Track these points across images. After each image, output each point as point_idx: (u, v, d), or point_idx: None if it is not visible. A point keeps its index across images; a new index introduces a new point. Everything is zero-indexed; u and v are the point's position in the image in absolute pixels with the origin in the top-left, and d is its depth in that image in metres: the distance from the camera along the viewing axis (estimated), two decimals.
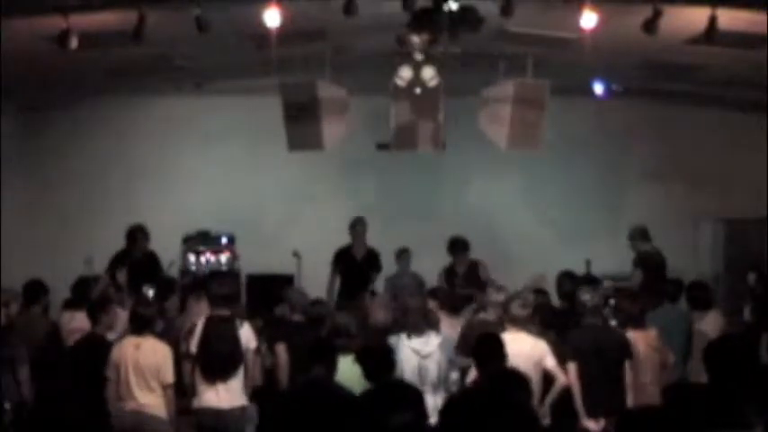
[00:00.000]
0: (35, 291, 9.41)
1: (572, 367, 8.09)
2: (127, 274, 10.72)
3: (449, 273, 11.71)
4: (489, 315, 8.76)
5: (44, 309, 9.61)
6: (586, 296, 8.51)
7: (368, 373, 6.80)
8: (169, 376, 7.95)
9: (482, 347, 6.97)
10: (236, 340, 8.14)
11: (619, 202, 13.89)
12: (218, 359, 8.08)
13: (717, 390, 4.50)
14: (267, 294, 10.56)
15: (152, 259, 11.37)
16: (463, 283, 11.29)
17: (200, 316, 8.56)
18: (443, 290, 10.40)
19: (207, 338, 8.11)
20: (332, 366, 6.82)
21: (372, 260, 12.08)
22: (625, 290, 10.71)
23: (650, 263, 11.40)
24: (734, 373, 4.52)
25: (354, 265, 11.98)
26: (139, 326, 8.09)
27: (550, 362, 7.89)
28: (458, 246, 11.76)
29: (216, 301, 8.34)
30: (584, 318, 8.46)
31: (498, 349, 6.93)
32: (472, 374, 7.51)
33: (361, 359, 6.93)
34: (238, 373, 8.13)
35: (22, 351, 8.67)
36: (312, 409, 6.58)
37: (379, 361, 6.84)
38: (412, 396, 6.66)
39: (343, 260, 12.04)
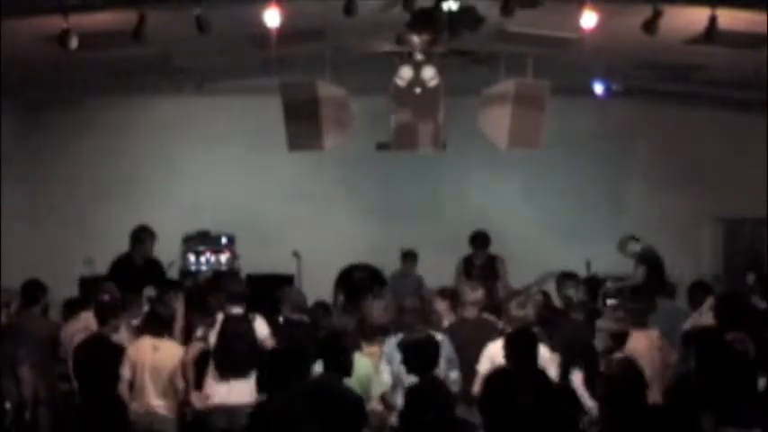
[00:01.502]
0: (34, 291, 9.40)
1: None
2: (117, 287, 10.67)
3: (467, 263, 11.82)
4: (468, 314, 8.75)
5: (44, 309, 9.60)
6: (570, 291, 8.60)
7: (412, 366, 6.84)
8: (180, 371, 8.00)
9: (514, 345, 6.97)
10: (252, 339, 8.18)
11: (619, 202, 13.90)
12: (234, 358, 8.10)
13: (717, 389, 4.51)
14: (267, 294, 10.56)
15: (154, 266, 11.32)
16: (480, 274, 11.40)
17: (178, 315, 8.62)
18: (452, 290, 10.37)
19: (224, 337, 8.13)
20: (338, 366, 6.84)
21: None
22: (631, 287, 10.73)
23: (653, 258, 11.46)
24: (723, 370, 4.53)
25: None
26: (158, 326, 8.09)
27: (552, 372, 7.86)
28: (479, 240, 11.92)
29: (232, 299, 8.37)
30: (570, 313, 8.55)
31: (532, 348, 6.92)
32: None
33: (405, 352, 6.97)
34: (253, 373, 8.15)
35: (22, 351, 8.68)
36: (315, 408, 6.59)
37: (423, 355, 6.88)
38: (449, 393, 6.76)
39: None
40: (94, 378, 8.11)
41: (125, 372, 7.98)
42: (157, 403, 7.96)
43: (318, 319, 9.09)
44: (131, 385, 8.01)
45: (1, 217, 12.03)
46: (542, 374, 6.92)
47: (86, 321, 8.82)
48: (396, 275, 12.39)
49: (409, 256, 12.38)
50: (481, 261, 11.84)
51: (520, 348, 6.86)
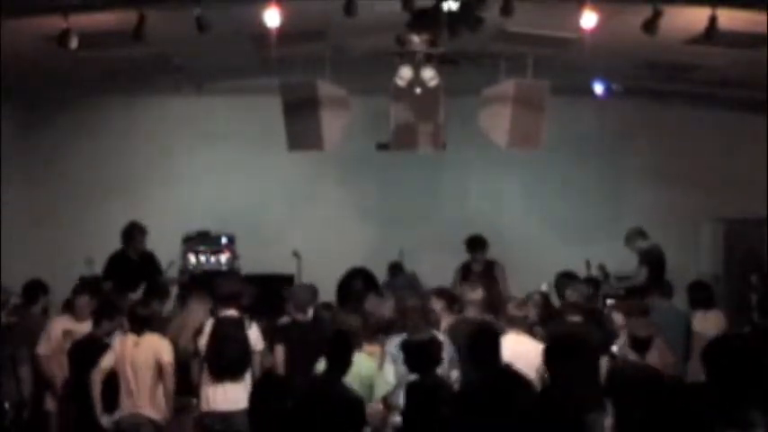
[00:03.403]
0: (35, 291, 9.42)
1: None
2: (114, 286, 10.66)
3: (465, 270, 11.75)
4: (469, 313, 8.76)
5: (44, 309, 9.61)
6: (567, 292, 8.65)
7: (414, 365, 6.85)
8: (167, 357, 7.98)
9: (478, 345, 6.95)
10: (244, 342, 8.14)
11: (619, 202, 13.90)
12: (226, 360, 8.08)
13: (717, 389, 4.49)
14: (267, 294, 10.56)
15: (149, 260, 11.32)
16: (478, 281, 11.33)
17: (198, 316, 8.58)
18: (448, 291, 10.37)
19: (215, 339, 8.10)
20: (341, 365, 6.86)
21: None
22: (633, 288, 10.73)
23: (656, 258, 11.44)
24: (732, 372, 4.51)
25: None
26: (138, 326, 8.10)
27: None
28: (476, 244, 11.82)
29: (222, 301, 8.33)
30: (564, 314, 8.57)
31: (495, 348, 6.91)
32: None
33: (408, 352, 6.98)
34: (246, 375, 8.12)
35: (22, 351, 8.70)
36: (316, 408, 6.61)
37: (426, 354, 6.89)
38: (450, 391, 6.78)
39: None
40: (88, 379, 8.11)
41: (105, 361, 7.98)
42: (141, 403, 7.95)
43: (322, 320, 9.10)
44: (118, 384, 8.00)
45: (1, 217, 12.03)
46: (505, 373, 6.85)
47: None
48: (390, 278, 12.38)
49: (395, 269, 12.37)
50: (480, 267, 11.73)
51: (482, 347, 6.83)
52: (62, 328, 8.77)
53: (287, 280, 11.97)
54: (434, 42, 9.39)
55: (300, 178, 13.57)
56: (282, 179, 13.58)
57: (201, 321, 8.43)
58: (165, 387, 8.02)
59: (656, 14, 8.12)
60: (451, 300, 9.42)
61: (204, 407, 8.11)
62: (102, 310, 8.60)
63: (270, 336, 8.71)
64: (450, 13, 8.30)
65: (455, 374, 7.89)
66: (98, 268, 11.20)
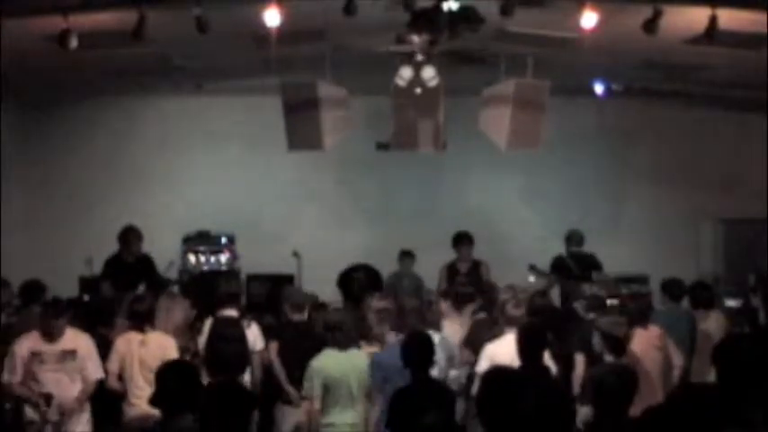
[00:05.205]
0: (33, 291, 9.42)
1: (579, 358, 8.13)
2: (112, 286, 10.63)
3: (450, 270, 11.73)
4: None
5: None
6: (601, 292, 8.63)
7: (408, 361, 6.87)
8: None
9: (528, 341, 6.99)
10: (242, 341, 8.14)
11: (619, 202, 13.90)
12: (224, 360, 8.08)
13: (724, 389, 4.48)
14: (267, 294, 10.56)
15: (145, 262, 11.30)
16: (465, 281, 11.31)
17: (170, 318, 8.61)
18: (454, 291, 10.37)
19: (214, 339, 8.10)
20: None
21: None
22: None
23: (560, 266, 11.42)
24: (744, 372, 4.49)
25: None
26: (138, 322, 8.10)
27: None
28: (462, 240, 11.81)
29: (223, 301, 8.32)
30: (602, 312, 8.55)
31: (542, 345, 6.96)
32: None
33: (405, 347, 7.00)
34: (245, 374, 8.12)
35: None
36: None
37: (421, 352, 6.90)
38: (448, 396, 6.76)
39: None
40: None
41: (113, 365, 7.98)
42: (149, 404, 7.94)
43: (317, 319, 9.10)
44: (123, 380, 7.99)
45: (1, 217, 12.02)
46: (547, 373, 6.90)
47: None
48: (394, 276, 12.40)
49: (407, 256, 12.39)
50: (466, 267, 11.73)
51: (531, 344, 6.84)
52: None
53: (287, 280, 11.97)
54: (434, 42, 9.39)
55: (300, 178, 13.57)
56: (282, 179, 13.58)
57: (176, 324, 8.42)
58: None
59: (656, 14, 8.13)
60: (457, 300, 9.42)
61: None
62: (101, 307, 8.61)
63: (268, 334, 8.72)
64: (450, 13, 8.31)
65: (453, 373, 7.90)
66: (98, 268, 11.20)
